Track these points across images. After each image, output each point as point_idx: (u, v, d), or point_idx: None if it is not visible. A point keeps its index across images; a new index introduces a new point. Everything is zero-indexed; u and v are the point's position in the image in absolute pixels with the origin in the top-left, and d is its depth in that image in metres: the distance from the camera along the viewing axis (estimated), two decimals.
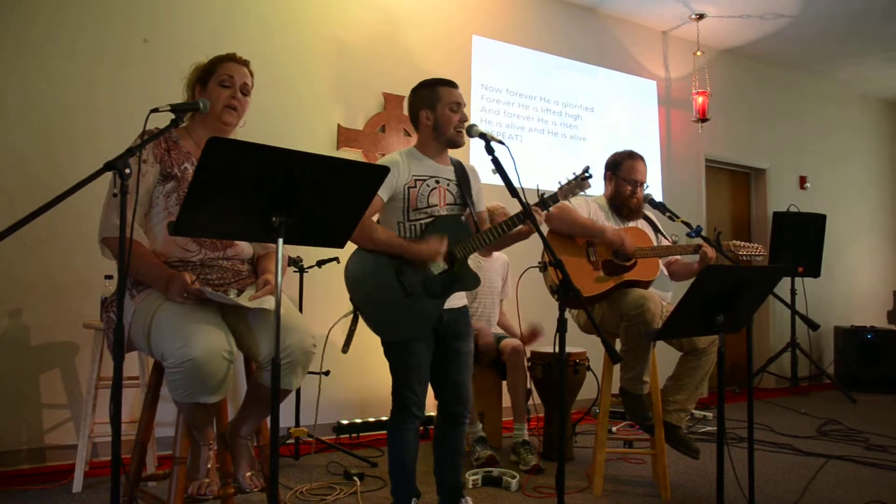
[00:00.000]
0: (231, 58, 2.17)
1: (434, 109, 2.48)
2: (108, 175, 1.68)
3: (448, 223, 2.45)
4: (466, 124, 2.48)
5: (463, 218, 2.54)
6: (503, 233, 2.46)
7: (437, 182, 2.48)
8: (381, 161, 2.47)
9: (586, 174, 2.66)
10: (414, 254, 2.35)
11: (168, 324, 1.87)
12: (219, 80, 2.12)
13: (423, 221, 2.43)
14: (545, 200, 2.55)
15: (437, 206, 2.45)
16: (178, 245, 2.03)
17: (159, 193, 2.05)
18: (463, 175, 2.57)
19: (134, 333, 1.96)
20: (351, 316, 2.41)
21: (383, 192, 2.38)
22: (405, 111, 4.52)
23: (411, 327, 2.39)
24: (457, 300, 2.52)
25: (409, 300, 2.36)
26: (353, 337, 2.42)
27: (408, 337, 2.39)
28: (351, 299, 2.36)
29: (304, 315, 3.61)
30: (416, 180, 2.44)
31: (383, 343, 2.45)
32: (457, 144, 2.51)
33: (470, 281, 2.49)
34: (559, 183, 2.65)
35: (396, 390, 2.44)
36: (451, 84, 2.52)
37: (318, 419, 3.95)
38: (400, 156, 2.48)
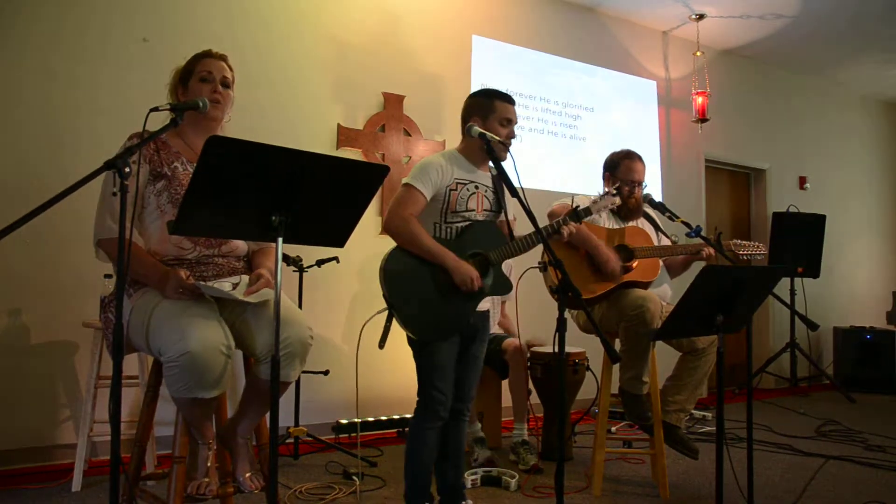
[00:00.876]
0: (207, 54, 2.19)
1: (486, 119, 2.51)
2: (102, 176, 1.68)
3: (483, 228, 2.50)
4: (512, 141, 2.53)
5: (496, 224, 2.57)
6: (539, 241, 2.45)
7: (477, 188, 2.52)
8: (423, 162, 2.50)
9: (615, 193, 2.73)
10: (455, 270, 2.35)
11: (165, 319, 1.87)
12: (198, 76, 2.14)
13: (459, 225, 2.46)
14: (579, 213, 2.59)
15: (474, 210, 2.50)
16: (172, 243, 2.04)
17: (150, 193, 2.05)
18: (498, 183, 2.60)
19: (132, 332, 1.96)
20: (385, 312, 2.42)
21: (427, 191, 2.42)
22: (405, 111, 4.55)
23: (446, 328, 2.42)
24: (482, 303, 2.55)
25: (444, 301, 2.39)
26: (389, 333, 2.43)
27: (443, 337, 2.41)
28: (386, 296, 2.37)
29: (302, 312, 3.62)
30: (457, 183, 2.48)
31: (410, 342, 2.46)
32: (498, 158, 2.51)
33: (503, 285, 2.53)
34: (593, 199, 2.68)
35: (423, 390, 2.46)
36: (508, 99, 2.56)
37: (318, 419, 3.96)
38: (444, 158, 2.52)
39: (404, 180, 2.45)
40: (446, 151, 2.59)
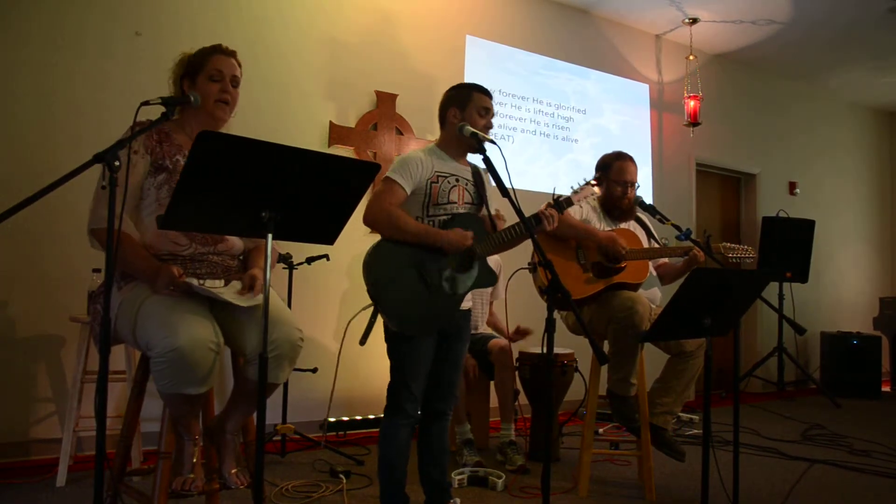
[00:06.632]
0: (218, 50, 2.15)
1: (464, 109, 2.52)
2: (99, 167, 1.67)
3: (467, 220, 2.49)
4: (491, 131, 2.55)
5: (479, 216, 2.57)
6: (522, 233, 2.47)
7: (457, 181, 2.52)
8: (402, 157, 2.50)
9: (593, 182, 2.75)
10: (445, 240, 2.35)
11: (155, 314, 1.86)
12: (208, 75, 2.10)
13: (441, 217, 2.45)
14: (560, 203, 2.59)
15: (456, 203, 2.49)
16: (168, 239, 2.02)
17: (150, 185, 2.03)
18: (478, 177, 2.62)
19: (120, 325, 1.95)
20: (371, 308, 2.39)
21: (406, 184, 2.41)
22: (398, 110, 4.55)
23: (431, 322, 2.41)
24: (465, 302, 2.55)
25: (430, 295, 2.38)
26: (372, 330, 2.40)
27: (426, 331, 2.40)
28: (369, 289, 2.33)
29: (292, 312, 3.61)
30: (438, 176, 2.48)
31: (389, 337, 2.43)
32: (478, 149, 2.51)
33: (488, 277, 2.53)
34: (572, 188, 2.69)
35: (393, 386, 2.43)
36: (484, 91, 2.58)
37: (306, 416, 3.95)
38: (423, 152, 2.52)
39: (384, 175, 2.44)
40: (425, 147, 2.59)
